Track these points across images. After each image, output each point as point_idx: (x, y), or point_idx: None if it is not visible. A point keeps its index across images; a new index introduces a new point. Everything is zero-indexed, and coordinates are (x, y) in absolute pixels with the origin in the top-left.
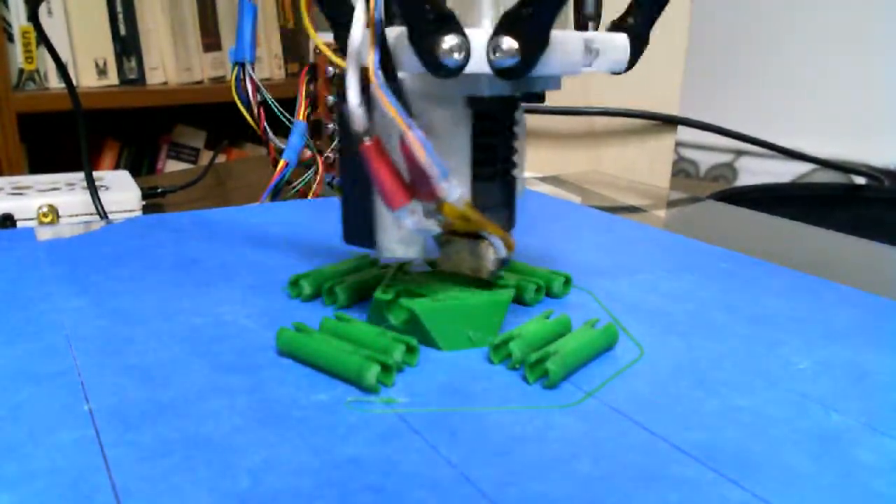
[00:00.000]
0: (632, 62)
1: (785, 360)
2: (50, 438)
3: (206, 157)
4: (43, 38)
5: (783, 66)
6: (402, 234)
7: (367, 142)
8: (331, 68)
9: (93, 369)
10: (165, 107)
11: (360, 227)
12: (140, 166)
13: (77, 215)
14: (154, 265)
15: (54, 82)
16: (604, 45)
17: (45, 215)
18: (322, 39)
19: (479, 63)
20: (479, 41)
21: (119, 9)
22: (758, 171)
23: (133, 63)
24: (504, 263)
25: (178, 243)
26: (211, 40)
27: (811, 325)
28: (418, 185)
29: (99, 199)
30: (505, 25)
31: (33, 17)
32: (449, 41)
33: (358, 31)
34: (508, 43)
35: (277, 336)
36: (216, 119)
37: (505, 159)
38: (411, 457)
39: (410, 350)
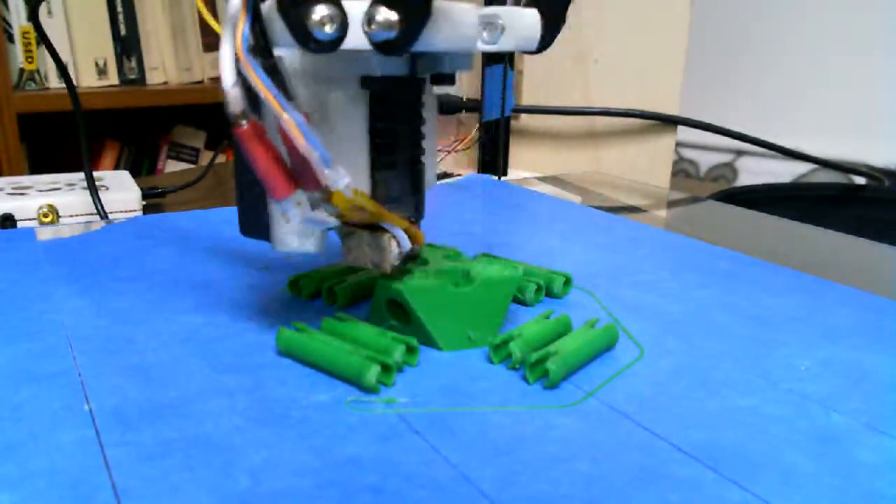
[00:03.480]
0: (545, 41)
1: (785, 360)
2: (50, 438)
3: (206, 157)
4: (43, 39)
5: (783, 66)
6: (296, 225)
7: (243, 125)
8: None
9: (93, 369)
10: (165, 107)
11: (255, 218)
12: (140, 166)
13: (77, 215)
14: (154, 265)
15: (54, 82)
16: (510, 21)
17: (45, 215)
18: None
19: (357, 37)
20: (355, 12)
21: (119, 9)
22: (758, 171)
23: (133, 63)
24: (411, 257)
25: (179, 243)
26: (211, 40)
27: (811, 325)
28: (301, 173)
29: (99, 200)
30: None
31: (33, 17)
32: (319, 11)
33: (235, 0)
34: (384, 14)
35: (277, 336)
36: (216, 119)
37: (410, 145)
38: (411, 457)
39: (410, 350)
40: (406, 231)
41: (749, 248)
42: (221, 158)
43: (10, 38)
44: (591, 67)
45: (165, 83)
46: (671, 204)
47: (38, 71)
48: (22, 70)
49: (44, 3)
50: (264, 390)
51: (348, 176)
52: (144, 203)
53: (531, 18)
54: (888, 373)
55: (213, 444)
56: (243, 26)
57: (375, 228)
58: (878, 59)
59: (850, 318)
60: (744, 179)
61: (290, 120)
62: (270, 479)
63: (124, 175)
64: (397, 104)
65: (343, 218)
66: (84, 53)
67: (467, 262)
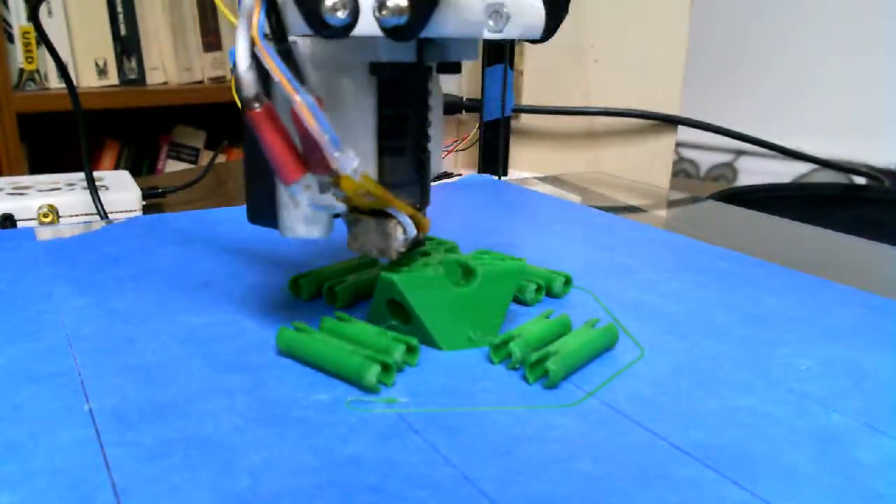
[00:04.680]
0: (550, 29)
1: (785, 360)
2: (50, 438)
3: (206, 157)
4: (43, 38)
5: (783, 66)
6: (304, 212)
7: (257, 108)
8: None
9: (93, 369)
10: (165, 107)
11: (263, 205)
12: (140, 166)
13: (77, 215)
14: (154, 265)
15: (54, 82)
16: (514, 10)
17: (45, 215)
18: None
19: (367, 23)
20: None
21: (119, 9)
22: (758, 171)
23: (133, 63)
24: (418, 244)
25: (178, 243)
26: (211, 40)
27: (811, 325)
28: (310, 156)
29: (99, 199)
30: None
31: (33, 17)
32: None
33: None
34: (395, 0)
35: (277, 336)
36: (216, 119)
37: (417, 132)
38: (411, 457)
39: (410, 350)
40: (412, 217)
41: (749, 248)
42: (221, 158)
43: (10, 38)
44: (591, 67)
45: (165, 83)
46: (671, 204)
47: (38, 71)
48: (22, 70)
49: (44, 3)
50: (264, 390)
51: (357, 159)
52: (144, 203)
53: (535, 7)
54: (888, 373)
55: (213, 444)
56: (259, 12)
57: (381, 215)
58: (878, 59)
59: (850, 317)
60: (744, 179)
61: (301, 102)
62: (270, 479)
63: (124, 175)
64: (405, 91)
65: (350, 203)
66: (84, 53)
67: (467, 256)
